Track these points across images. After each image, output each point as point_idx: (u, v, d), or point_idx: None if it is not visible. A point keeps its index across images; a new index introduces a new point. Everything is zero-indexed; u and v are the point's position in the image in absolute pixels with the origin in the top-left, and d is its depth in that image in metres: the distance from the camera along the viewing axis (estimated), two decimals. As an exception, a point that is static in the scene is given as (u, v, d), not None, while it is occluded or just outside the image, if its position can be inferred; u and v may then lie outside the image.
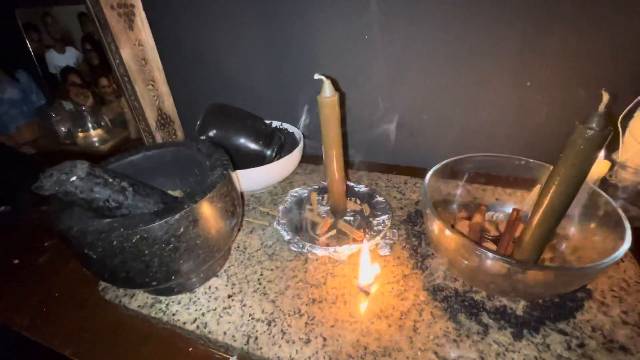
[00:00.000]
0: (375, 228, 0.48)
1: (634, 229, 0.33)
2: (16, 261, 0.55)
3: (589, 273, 0.31)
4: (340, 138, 0.44)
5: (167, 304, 0.42)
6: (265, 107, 0.76)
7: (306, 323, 0.38)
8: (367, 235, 0.47)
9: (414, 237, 0.48)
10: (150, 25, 0.73)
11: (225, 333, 0.38)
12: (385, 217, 0.49)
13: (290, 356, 0.35)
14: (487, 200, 0.50)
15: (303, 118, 0.67)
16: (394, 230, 0.49)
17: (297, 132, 0.66)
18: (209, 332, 0.38)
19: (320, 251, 0.45)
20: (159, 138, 0.83)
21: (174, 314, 0.40)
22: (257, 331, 0.37)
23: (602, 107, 0.29)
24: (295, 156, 0.59)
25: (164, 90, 0.80)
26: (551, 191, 0.33)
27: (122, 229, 0.31)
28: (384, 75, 0.62)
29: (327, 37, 0.62)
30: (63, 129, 0.96)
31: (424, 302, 0.39)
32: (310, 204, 0.54)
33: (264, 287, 0.43)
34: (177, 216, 0.33)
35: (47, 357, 0.41)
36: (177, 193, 0.48)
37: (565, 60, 0.51)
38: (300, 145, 0.61)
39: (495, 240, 0.44)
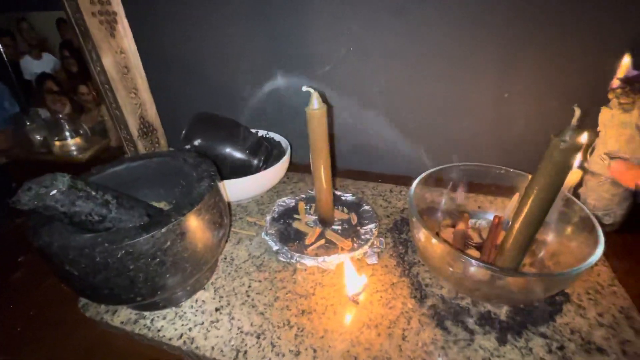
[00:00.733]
0: (362, 237, 0.48)
1: (606, 234, 0.35)
2: (-13, 278, 0.52)
3: (567, 278, 0.33)
4: (328, 149, 0.45)
5: (152, 320, 0.41)
6: (251, 116, 0.76)
7: (296, 335, 0.38)
8: (355, 244, 0.47)
9: (401, 245, 0.49)
10: (133, 33, 0.72)
11: (213, 348, 0.37)
12: (372, 225, 0.50)
13: (280, 369, 0.34)
14: (470, 208, 0.51)
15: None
16: (381, 238, 0.50)
17: (284, 142, 0.67)
18: (196, 347, 0.37)
19: (309, 261, 0.45)
20: (141, 146, 0.81)
21: (159, 330, 0.39)
22: (246, 345, 0.37)
23: (574, 121, 0.31)
24: (282, 165, 0.59)
25: (147, 98, 0.79)
26: (530, 200, 0.35)
27: (106, 244, 0.30)
28: (369, 86, 0.64)
29: (314, 47, 0.63)
30: (38, 137, 0.92)
31: (411, 309, 0.40)
32: (298, 214, 0.54)
33: (252, 299, 0.42)
34: (164, 230, 0.32)
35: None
36: (162, 205, 0.48)
37: (540, 74, 0.54)
38: (287, 154, 0.61)
39: (479, 247, 0.46)
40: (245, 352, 0.36)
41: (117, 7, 0.67)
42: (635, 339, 0.35)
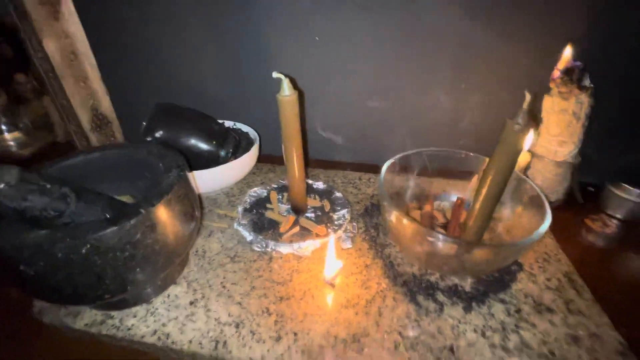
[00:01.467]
0: (336, 222, 0.49)
1: (552, 209, 0.40)
2: None
3: (522, 247, 0.36)
4: (300, 136, 0.45)
5: (121, 319, 0.38)
6: (216, 107, 0.73)
7: (275, 321, 0.38)
8: (329, 230, 0.48)
9: (372, 228, 0.51)
10: (79, 16, 0.66)
11: (190, 341, 0.36)
12: (344, 211, 0.51)
13: (262, 356, 0.34)
14: (434, 191, 0.54)
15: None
16: (354, 223, 0.51)
17: (252, 132, 0.65)
18: (173, 342, 0.36)
19: (284, 248, 0.45)
20: (94, 141, 0.75)
21: (129, 329, 0.37)
22: (225, 335, 0.36)
23: (525, 105, 0.34)
24: (251, 156, 0.58)
25: (99, 88, 0.73)
26: (489, 179, 0.38)
27: (68, 240, 0.28)
28: (334, 76, 0.64)
29: (279, 35, 0.62)
30: (-32, 132, 0.81)
31: (386, 288, 0.42)
32: (271, 204, 0.54)
33: (229, 290, 0.42)
34: (133, 221, 0.30)
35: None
36: (125, 198, 0.45)
37: (491, 67, 0.58)
38: (256, 144, 0.60)
39: (444, 227, 0.49)
40: (225, 342, 0.36)
41: (61, -14, 0.61)
42: (577, 298, 0.40)
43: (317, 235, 0.47)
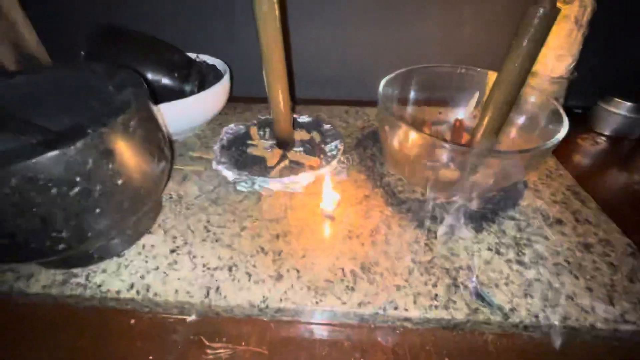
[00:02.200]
0: (329, 154, 0.44)
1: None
2: None
3: (540, 152, 0.33)
4: (283, 55, 0.37)
5: (87, 276, 0.32)
6: (172, 35, 0.61)
7: (273, 260, 0.33)
8: (322, 162, 0.43)
9: (368, 159, 0.47)
10: None
11: (177, 291, 0.31)
12: (337, 142, 0.46)
13: (263, 296, 0.30)
14: (430, 117, 0.50)
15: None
16: (347, 155, 0.46)
17: (220, 64, 0.56)
18: (155, 294, 0.30)
19: (274, 184, 0.40)
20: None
21: (99, 285, 0.31)
22: (217, 280, 0.32)
23: (553, -14, 0.29)
24: (221, 88, 0.49)
25: (20, 19, 0.59)
26: (505, 73, 0.34)
27: (-13, 169, 0.20)
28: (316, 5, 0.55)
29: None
30: None
31: (389, 216, 0.38)
32: (252, 140, 0.47)
33: (215, 234, 0.36)
34: (79, 145, 0.23)
35: None
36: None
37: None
38: (227, 76, 0.51)
39: (445, 150, 0.45)
40: (218, 287, 0.31)
41: None
42: (583, 209, 0.39)
43: (311, 168, 0.42)
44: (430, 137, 0.33)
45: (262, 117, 0.52)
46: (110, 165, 0.26)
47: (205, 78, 0.54)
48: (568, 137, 0.33)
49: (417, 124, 0.49)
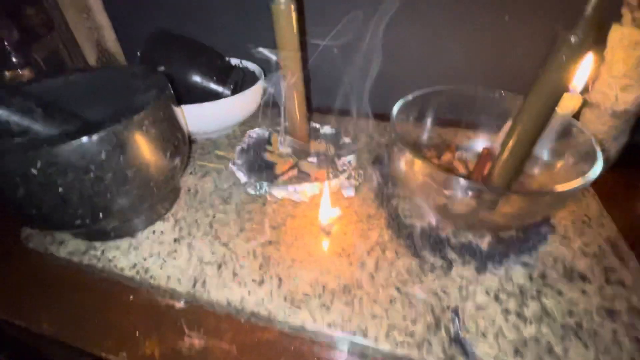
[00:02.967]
0: (340, 168, 0.44)
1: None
2: None
3: (561, 196, 0.29)
4: (299, 55, 0.38)
5: (103, 250, 0.37)
6: (222, 41, 0.67)
7: (261, 265, 0.35)
8: (330, 175, 0.43)
9: (381, 178, 0.45)
10: None
11: (169, 277, 0.34)
12: (351, 157, 0.45)
13: (241, 297, 0.32)
14: (457, 141, 0.47)
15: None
16: (360, 171, 0.46)
17: (259, 70, 0.59)
18: (151, 277, 0.34)
19: (279, 191, 0.41)
20: (100, 78, 0.73)
21: (110, 260, 0.36)
22: (205, 274, 0.34)
23: (589, 10, 0.25)
24: (254, 92, 0.52)
25: (103, 21, 0.69)
26: (530, 105, 0.30)
27: (19, 151, 0.25)
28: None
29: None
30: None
31: (387, 240, 0.37)
32: (271, 145, 0.49)
33: (216, 231, 0.39)
34: (94, 138, 0.27)
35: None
36: (112, 129, 0.42)
37: None
38: (261, 80, 0.54)
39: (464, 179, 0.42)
40: (204, 281, 0.33)
41: None
42: (619, 267, 0.34)
43: (317, 180, 0.42)
44: (435, 167, 0.31)
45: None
46: (122, 158, 0.29)
47: (241, 82, 0.58)
48: (624, 180, 0.29)
49: (440, 146, 0.46)
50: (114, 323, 0.32)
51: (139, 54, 0.52)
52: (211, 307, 0.33)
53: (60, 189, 0.27)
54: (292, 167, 0.44)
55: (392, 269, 0.34)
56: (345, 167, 0.44)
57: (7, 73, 0.79)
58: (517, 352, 0.27)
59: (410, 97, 0.41)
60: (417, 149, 0.46)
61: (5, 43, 0.76)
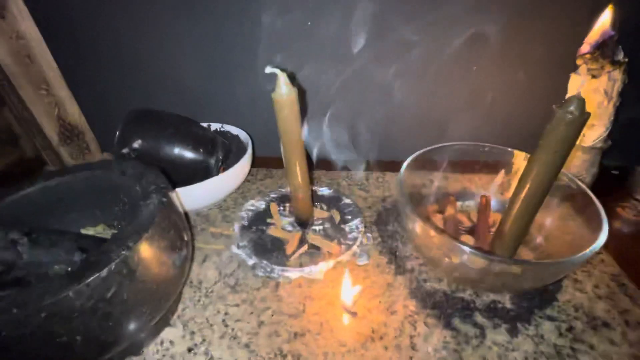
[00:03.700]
0: (349, 236, 0.43)
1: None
2: None
3: (570, 265, 0.31)
4: (302, 140, 0.38)
5: (105, 379, 0.32)
6: (199, 108, 0.65)
7: (291, 365, 0.32)
8: (342, 246, 0.42)
9: (390, 238, 0.45)
10: (32, 15, 0.57)
11: (191, 402, 0.30)
12: (357, 221, 0.45)
13: (279, 414, 0.29)
14: (454, 190, 0.48)
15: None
16: (368, 234, 0.45)
17: (243, 135, 0.58)
18: (169, 405, 0.30)
19: (293, 274, 0.39)
20: (65, 155, 0.67)
21: (116, 391, 0.31)
22: (232, 390, 0.30)
23: (579, 89, 0.28)
24: (245, 163, 0.51)
25: (64, 94, 0.65)
26: (530, 179, 0.32)
27: (14, 310, 0.21)
28: (332, 69, 0.57)
29: (268, 23, 0.54)
30: None
31: (414, 312, 0.36)
32: (271, 217, 0.47)
33: (233, 329, 0.35)
34: (104, 273, 0.24)
35: None
36: (99, 228, 0.38)
37: (505, 45, 0.52)
38: (249, 149, 0.53)
39: (471, 231, 0.43)
40: (233, 399, 0.30)
41: (3, -22, 0.52)
42: (631, 307, 0.35)
43: (330, 254, 0.41)
44: (450, 239, 0.32)
45: (282, 190, 0.52)
46: (131, 284, 0.26)
47: (229, 150, 0.56)
48: (605, 204, 0.31)
49: (439, 198, 0.48)
50: None
51: (117, 133, 0.48)
52: None
53: (63, 339, 0.23)
54: (301, 243, 0.42)
55: (428, 345, 0.33)
56: (354, 234, 0.43)
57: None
58: None
59: (413, 157, 0.42)
60: (418, 202, 0.47)
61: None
